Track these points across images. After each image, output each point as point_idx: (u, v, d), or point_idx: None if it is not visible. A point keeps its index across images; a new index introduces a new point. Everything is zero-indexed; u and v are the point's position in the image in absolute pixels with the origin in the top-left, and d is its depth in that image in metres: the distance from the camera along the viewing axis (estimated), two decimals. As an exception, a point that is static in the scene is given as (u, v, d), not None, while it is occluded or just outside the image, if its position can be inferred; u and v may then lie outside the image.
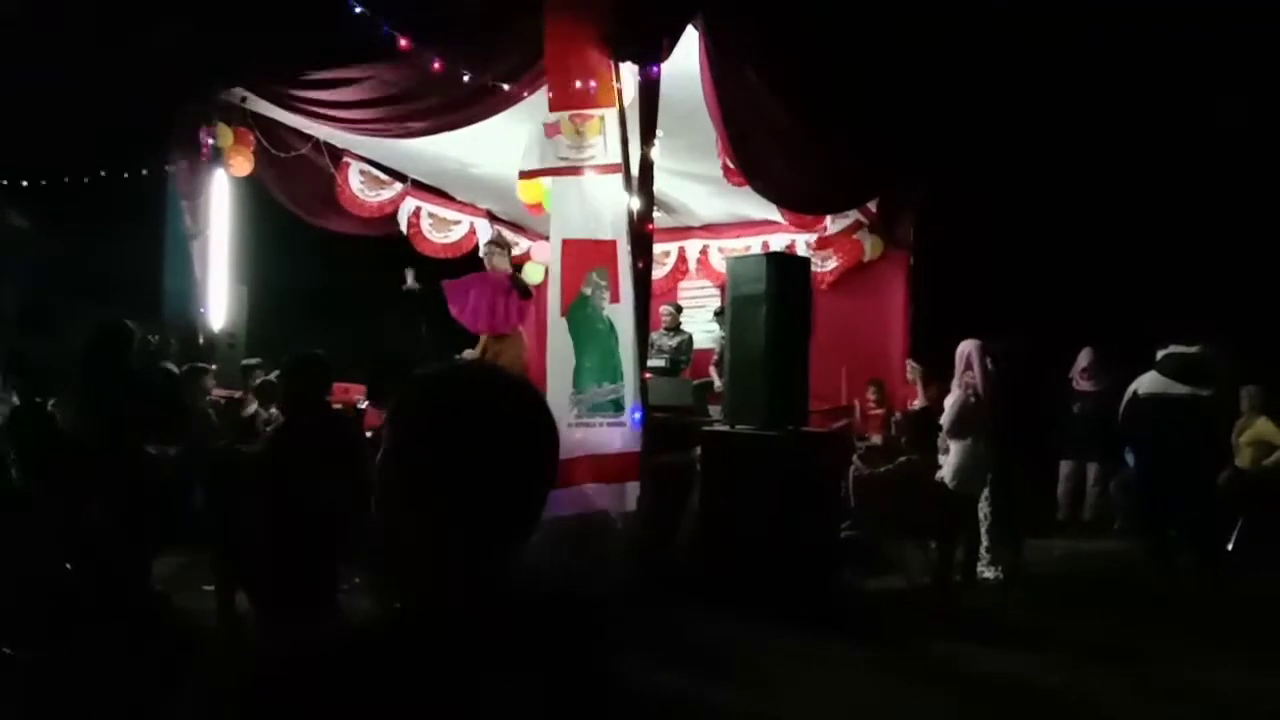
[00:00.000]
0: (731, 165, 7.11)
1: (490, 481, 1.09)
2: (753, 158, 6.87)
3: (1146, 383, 6.78)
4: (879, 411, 9.43)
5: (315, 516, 3.82)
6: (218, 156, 7.91)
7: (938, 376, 8.25)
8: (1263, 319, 9.83)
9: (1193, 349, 6.63)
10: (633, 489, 5.81)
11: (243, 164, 8.03)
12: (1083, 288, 10.83)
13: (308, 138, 8.48)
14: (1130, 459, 7.66)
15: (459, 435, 1.09)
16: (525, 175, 6.42)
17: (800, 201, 8.37)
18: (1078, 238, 11.15)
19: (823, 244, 10.24)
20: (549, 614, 1.16)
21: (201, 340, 7.84)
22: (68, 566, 4.79)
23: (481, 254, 9.02)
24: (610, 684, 1.17)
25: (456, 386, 1.16)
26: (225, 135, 7.90)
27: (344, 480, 3.83)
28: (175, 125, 7.92)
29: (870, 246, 10.14)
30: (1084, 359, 9.37)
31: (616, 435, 5.88)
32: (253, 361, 7.82)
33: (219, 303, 8.05)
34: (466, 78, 6.49)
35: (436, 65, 6.52)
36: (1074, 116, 11.45)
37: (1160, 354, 6.80)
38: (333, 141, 8.66)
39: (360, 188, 9.30)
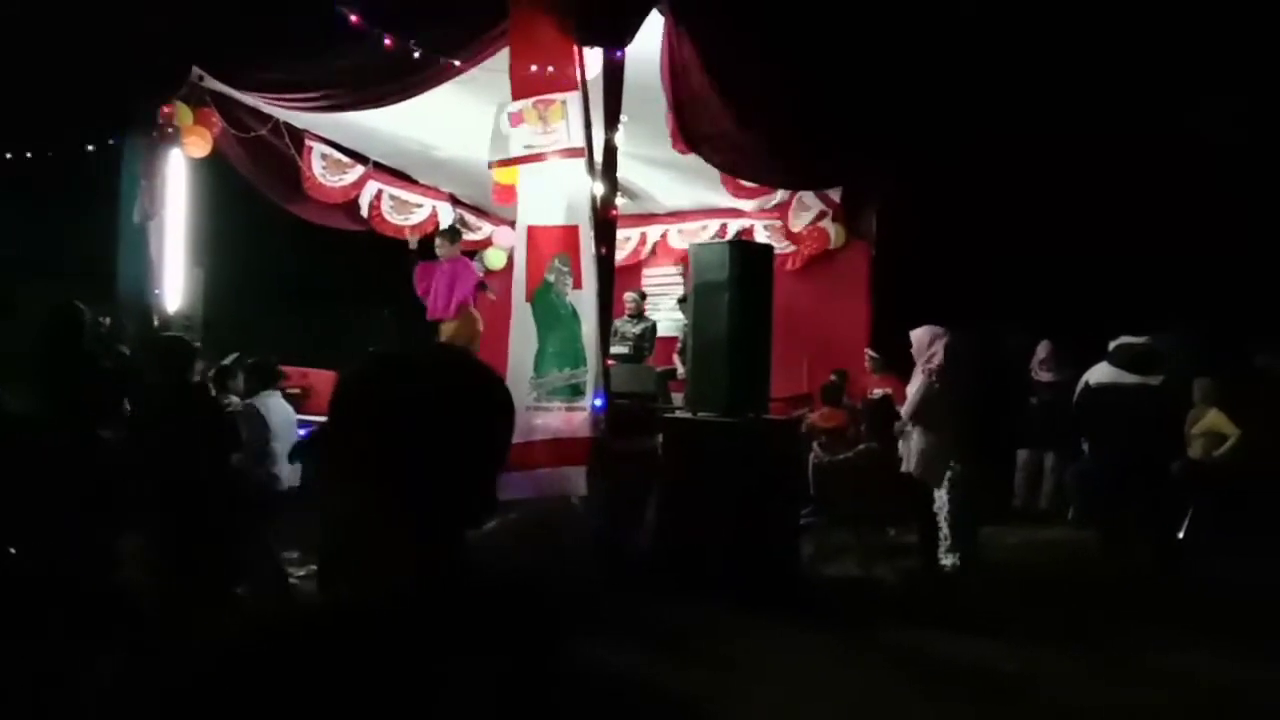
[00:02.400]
0: (679, 136, 7.05)
1: (437, 463, 1.06)
2: (699, 123, 6.81)
3: (1098, 373, 6.90)
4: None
5: (180, 492, 3.80)
6: (174, 136, 7.75)
7: (894, 367, 8.32)
8: (1216, 312, 10.01)
9: (1142, 340, 6.76)
10: (581, 474, 5.80)
11: (200, 144, 7.88)
12: (1041, 280, 10.95)
13: (267, 118, 8.34)
14: (1084, 448, 7.79)
15: (404, 415, 1.06)
16: (495, 165, 6.36)
17: (747, 169, 8.35)
18: (1036, 231, 11.27)
19: (791, 237, 10.26)
20: (502, 600, 1.15)
21: (156, 323, 7.69)
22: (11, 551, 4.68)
23: (436, 245, 9.11)
24: (564, 671, 1.16)
25: (402, 365, 1.13)
26: (184, 114, 7.75)
27: (209, 455, 3.82)
28: (131, 103, 7.76)
29: (835, 235, 10.18)
30: (1042, 350, 9.50)
31: (572, 419, 5.86)
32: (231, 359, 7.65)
33: (174, 285, 7.90)
34: (418, 54, 6.42)
35: (387, 42, 6.45)
36: (1034, 111, 11.55)
37: (1112, 345, 6.92)
38: (292, 122, 8.51)
39: (323, 172, 9.18)
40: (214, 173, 8.37)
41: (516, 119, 5.88)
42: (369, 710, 1.00)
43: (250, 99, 7.89)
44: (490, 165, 6.24)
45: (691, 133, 6.78)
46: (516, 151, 5.93)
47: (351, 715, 0.99)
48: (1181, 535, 7.61)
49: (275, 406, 6.11)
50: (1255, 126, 11.24)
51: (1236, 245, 11.03)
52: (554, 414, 5.89)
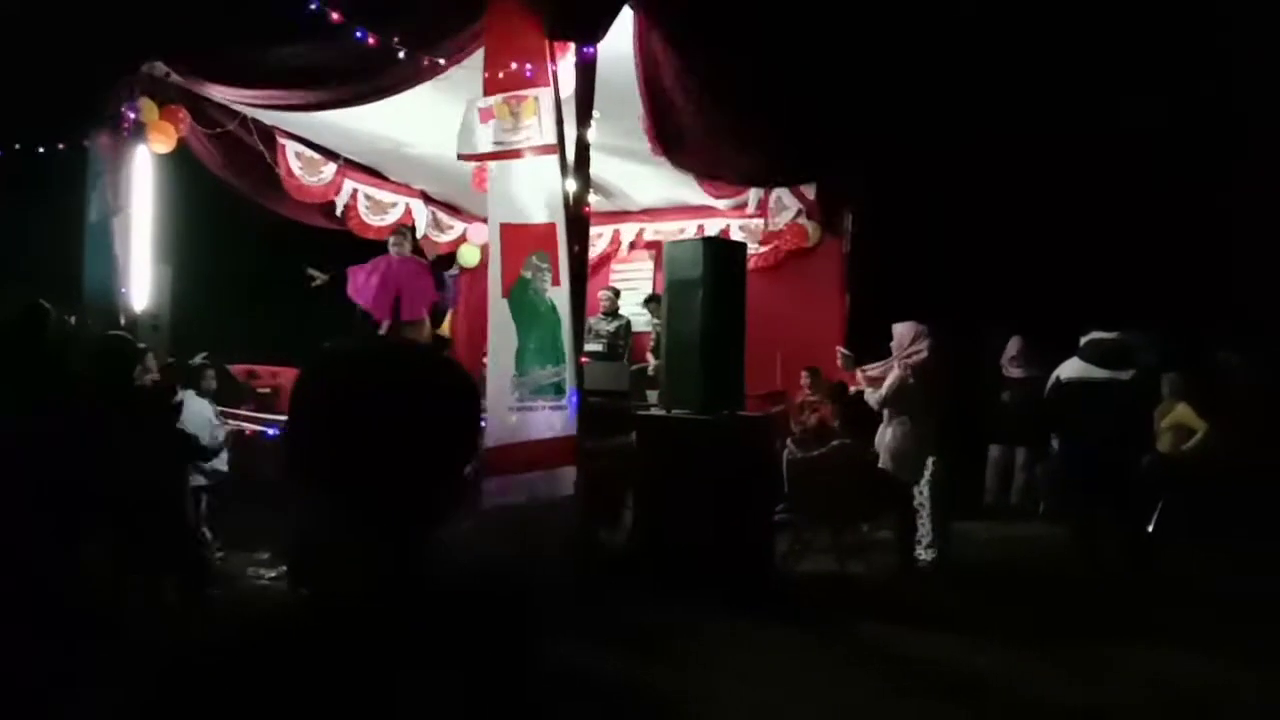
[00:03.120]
0: (654, 138, 7.05)
1: (399, 459, 1.03)
2: (675, 130, 6.81)
3: (1069, 368, 6.95)
4: (814, 398, 9.50)
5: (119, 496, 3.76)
6: (139, 132, 7.63)
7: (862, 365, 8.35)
8: (1183, 308, 10.13)
9: (1112, 335, 6.82)
10: (569, 473, 5.77)
11: (165, 141, 7.76)
12: (1011, 277, 11.03)
13: (235, 114, 8.23)
14: (1055, 443, 7.85)
15: (362, 410, 1.03)
16: (464, 158, 6.31)
17: (720, 169, 8.36)
18: (1006, 228, 11.35)
19: (768, 236, 10.29)
20: (470, 600, 1.12)
21: (123, 321, 7.56)
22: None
23: (389, 243, 8.88)
24: (534, 672, 1.14)
25: (359, 359, 1.10)
26: (149, 110, 7.63)
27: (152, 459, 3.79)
28: (95, 98, 7.64)
29: (812, 233, 10.22)
30: (1013, 347, 9.57)
31: (557, 418, 5.83)
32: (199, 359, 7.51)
33: (141, 284, 7.78)
34: (402, 54, 6.36)
35: (370, 41, 6.38)
36: (1005, 110, 11.63)
37: (1082, 340, 6.98)
38: (260, 118, 8.41)
39: (301, 171, 9.09)
40: (181, 169, 8.25)
41: (486, 115, 5.83)
42: (331, 715, 0.97)
43: (219, 95, 7.78)
44: (460, 158, 6.17)
45: (665, 134, 6.77)
46: (486, 148, 5.88)
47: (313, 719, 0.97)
48: (1151, 529, 7.70)
49: (191, 405, 6.15)
50: (1217, 125, 11.39)
51: (1200, 242, 11.17)
52: (539, 413, 5.85)
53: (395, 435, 1.03)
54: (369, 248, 9.54)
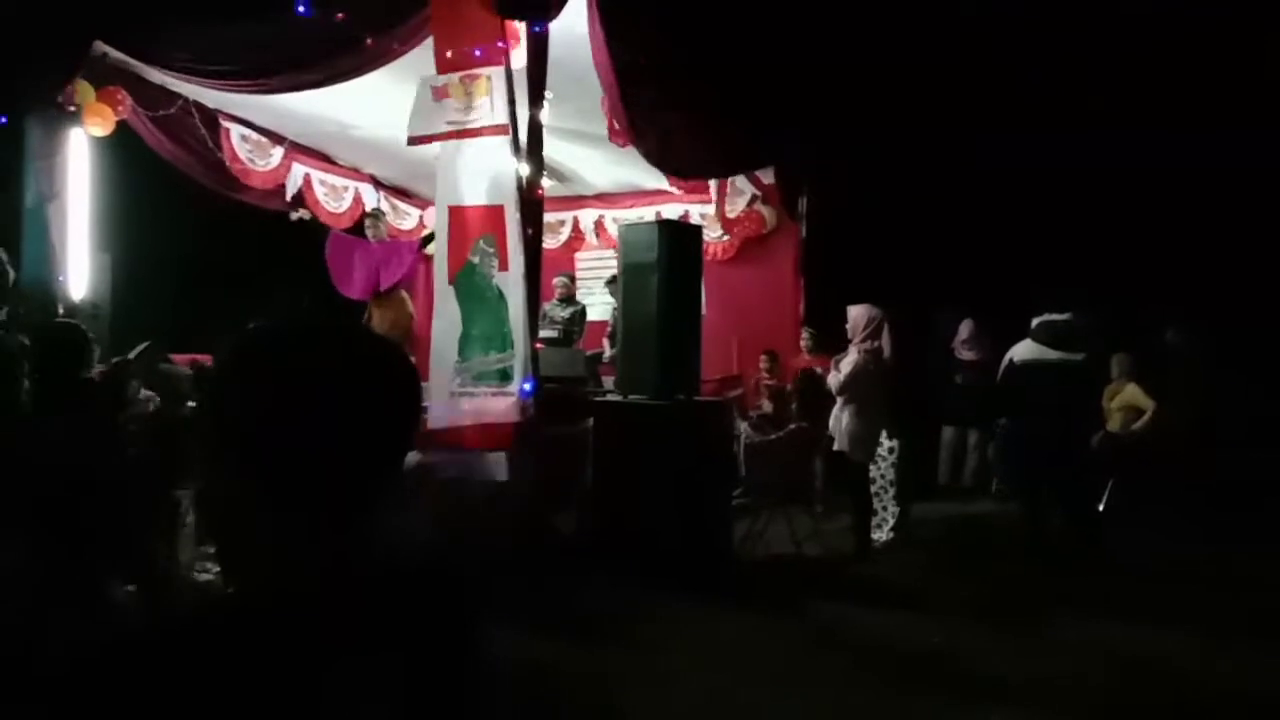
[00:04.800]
0: (617, 126, 6.99)
1: (329, 444, 0.96)
2: (641, 118, 6.74)
3: (1021, 350, 7.03)
4: (771, 382, 9.53)
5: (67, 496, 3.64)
6: (76, 114, 7.38)
7: (826, 346, 8.38)
8: (1133, 290, 10.29)
9: (1063, 316, 6.90)
10: (502, 459, 5.70)
11: (103, 123, 7.51)
12: (964, 260, 11.12)
13: (177, 96, 7.99)
14: (1003, 424, 7.96)
15: (287, 392, 0.95)
16: (413, 141, 6.17)
17: (687, 165, 8.32)
18: (959, 212, 11.45)
19: (726, 223, 10.28)
20: (410, 591, 1.06)
21: (61, 310, 7.33)
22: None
23: (365, 227, 8.95)
24: (477, 663, 1.08)
25: (284, 339, 1.01)
26: (85, 91, 7.37)
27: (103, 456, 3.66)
28: (28, 81, 7.36)
29: (768, 218, 10.24)
30: (965, 330, 9.67)
31: (499, 404, 5.75)
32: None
33: (79, 271, 7.54)
34: (366, 37, 6.20)
35: (339, 15, 6.23)
36: (958, 96, 11.71)
37: (1035, 322, 7.06)
38: (203, 100, 8.17)
39: (249, 155, 8.85)
40: (122, 153, 8.00)
41: (440, 93, 5.72)
42: (259, 714, 0.90)
43: (160, 76, 7.54)
44: (410, 141, 6.04)
45: (623, 119, 6.71)
46: (437, 128, 5.77)
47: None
48: (1101, 507, 7.83)
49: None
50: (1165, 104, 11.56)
51: (1148, 223, 11.34)
52: (480, 399, 5.77)
53: (330, 419, 0.96)
54: (321, 234, 9.36)
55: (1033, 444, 7.03)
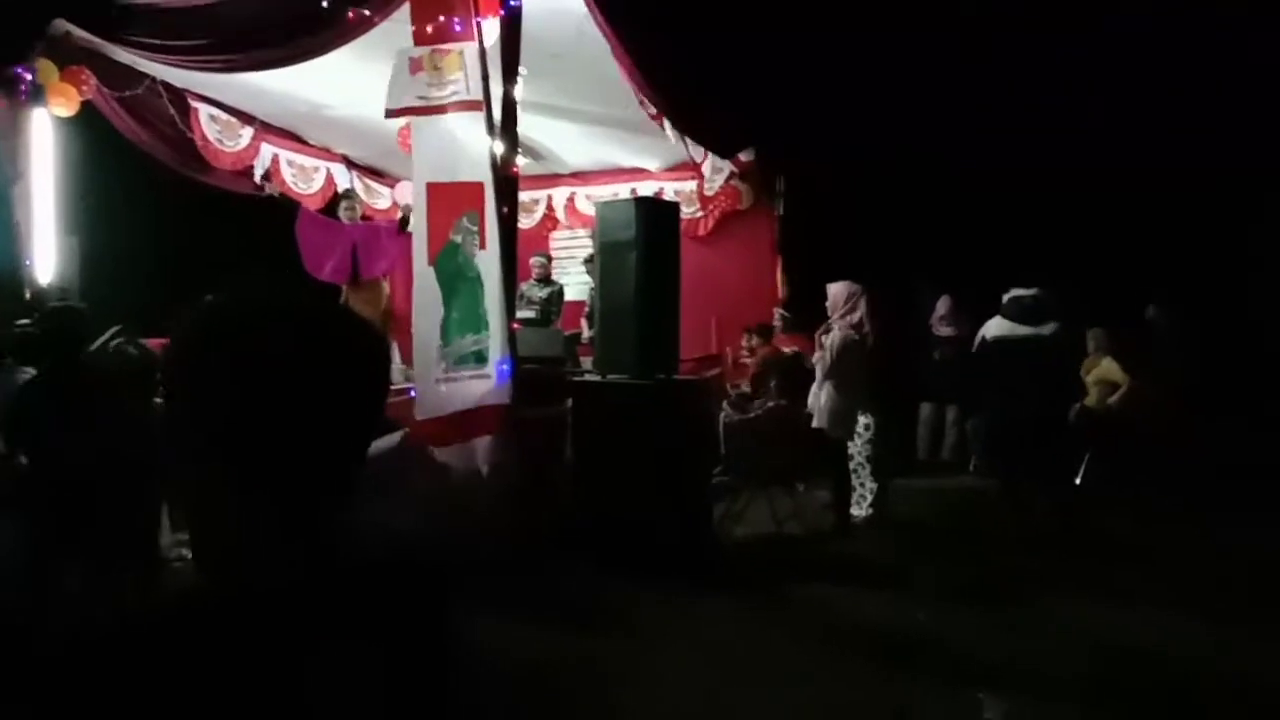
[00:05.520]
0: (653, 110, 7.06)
1: (296, 425, 0.91)
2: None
3: (993, 326, 7.08)
4: (750, 360, 9.51)
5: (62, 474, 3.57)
6: (38, 94, 7.20)
7: (802, 326, 8.38)
8: (1110, 265, 10.36)
9: (1031, 291, 6.94)
10: (487, 444, 5.64)
11: (66, 104, 7.33)
12: (942, 235, 11.15)
13: (143, 76, 7.81)
14: (981, 400, 8.00)
15: (251, 370, 0.90)
16: (390, 113, 6.05)
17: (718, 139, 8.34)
18: (937, 187, 11.46)
19: (704, 201, 10.23)
20: (385, 579, 1.02)
21: (29, 295, 7.18)
22: None
23: (340, 209, 8.92)
24: (454, 651, 1.04)
25: (247, 314, 0.95)
26: (47, 71, 7.19)
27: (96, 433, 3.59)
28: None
29: (745, 195, 10.20)
30: (942, 306, 9.68)
31: (479, 388, 5.69)
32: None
33: (46, 256, 7.38)
34: (337, 9, 6.06)
35: None
36: (930, 73, 11.71)
37: (1005, 298, 7.10)
38: (171, 80, 8.00)
39: (218, 136, 8.68)
40: (89, 134, 7.82)
41: (415, 66, 5.60)
42: (232, 708, 0.86)
43: (127, 55, 7.36)
44: (388, 114, 5.92)
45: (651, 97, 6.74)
46: (412, 101, 5.65)
47: (213, 714, 0.86)
48: (1078, 482, 7.89)
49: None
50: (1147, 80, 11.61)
51: (1129, 199, 11.42)
52: (463, 384, 5.70)
53: (296, 398, 0.91)
54: (293, 211, 9.24)
55: (1005, 419, 7.07)
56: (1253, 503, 7.20)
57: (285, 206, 9.23)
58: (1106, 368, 8.32)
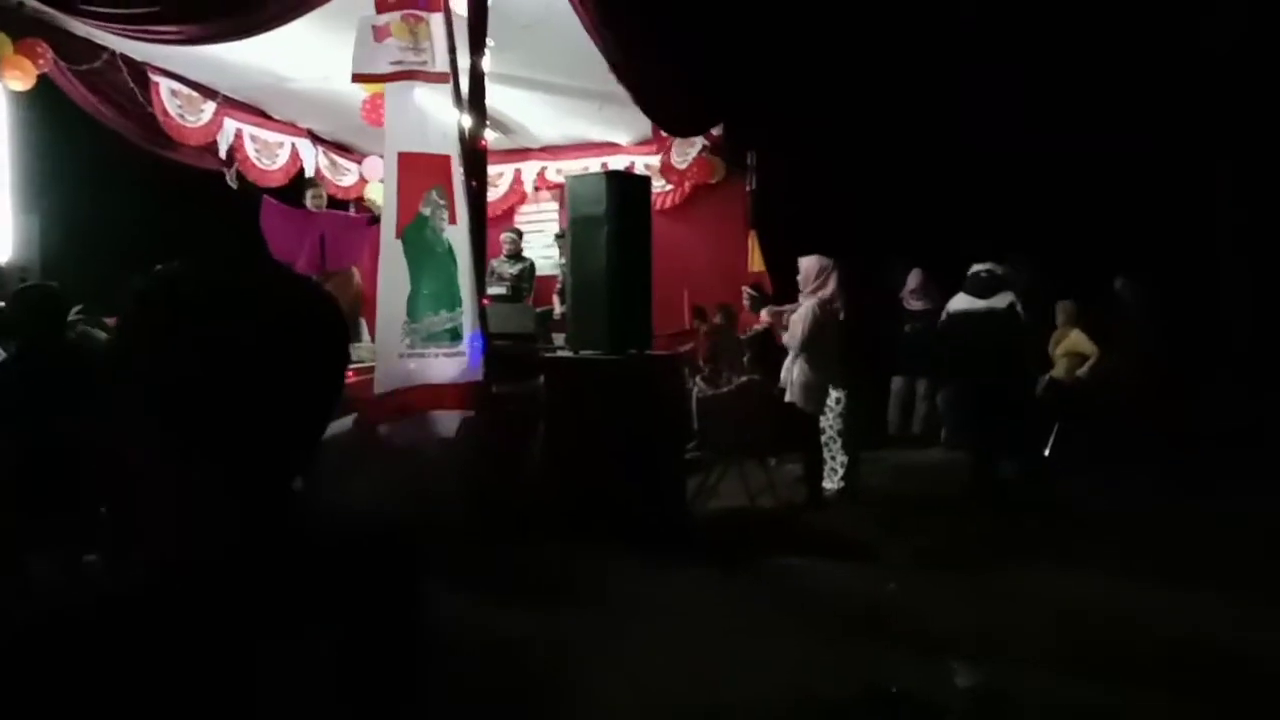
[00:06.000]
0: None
1: (249, 398, 0.88)
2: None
3: (955, 302, 7.19)
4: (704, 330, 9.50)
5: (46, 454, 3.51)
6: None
7: (770, 303, 8.39)
8: (1079, 239, 10.44)
9: (986, 266, 7.06)
10: (454, 419, 5.59)
11: (22, 78, 7.14)
12: (913, 210, 11.17)
13: (102, 49, 7.62)
14: (942, 373, 8.11)
15: (203, 340, 0.87)
16: (358, 79, 5.90)
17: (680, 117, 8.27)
18: (908, 161, 11.47)
19: (674, 173, 10.17)
20: (343, 556, 0.99)
21: (-12, 276, 7.03)
22: None
23: (308, 197, 8.86)
24: (417, 627, 1.02)
25: (199, 282, 0.91)
26: (1, 44, 7.00)
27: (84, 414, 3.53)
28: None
29: (717, 168, 10.16)
30: (913, 280, 9.72)
31: (452, 366, 5.62)
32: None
33: (3, 234, 7.22)
34: None
35: None
36: (899, 48, 11.69)
37: (968, 273, 7.22)
38: (130, 54, 7.81)
39: (179, 111, 8.49)
40: (48, 109, 7.63)
41: (382, 33, 5.46)
42: (182, 687, 0.83)
43: (84, 27, 7.17)
44: (355, 79, 5.79)
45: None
46: (383, 68, 5.51)
47: (166, 700, 0.83)
48: (1047, 453, 7.98)
49: None
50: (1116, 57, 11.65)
51: (1100, 173, 11.49)
52: (431, 360, 5.62)
53: (250, 369, 0.88)
54: (256, 198, 9.10)
55: (967, 392, 7.19)
56: (1220, 471, 7.32)
57: (249, 192, 9.07)
58: (1075, 340, 8.40)
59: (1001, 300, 6.94)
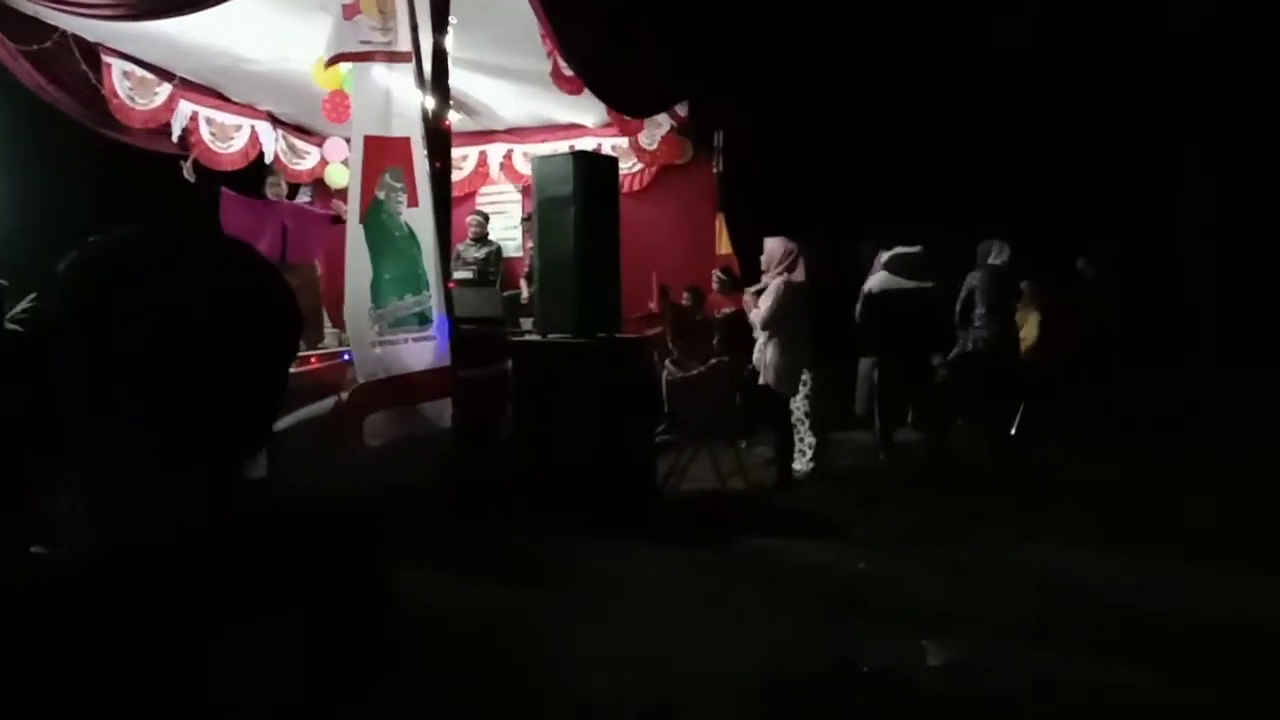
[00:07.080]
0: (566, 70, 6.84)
1: (196, 372, 0.83)
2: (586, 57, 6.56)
3: (876, 281, 7.27)
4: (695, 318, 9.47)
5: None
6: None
7: (740, 287, 8.37)
8: (1042, 220, 10.52)
9: (916, 249, 7.16)
10: (443, 408, 5.53)
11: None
12: (881, 191, 11.20)
13: (51, 29, 7.40)
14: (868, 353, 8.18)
15: (145, 312, 0.82)
16: (332, 61, 5.76)
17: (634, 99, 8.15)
18: (875, 142, 11.50)
19: (642, 154, 10.10)
20: (307, 535, 0.94)
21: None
22: None
23: (267, 185, 8.67)
24: (384, 609, 0.98)
25: (137, 250, 0.86)
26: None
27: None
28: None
29: (685, 148, 10.10)
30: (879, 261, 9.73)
31: (423, 351, 5.55)
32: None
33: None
34: None
35: None
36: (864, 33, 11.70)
37: (885, 255, 7.31)
38: (82, 34, 7.59)
39: (129, 94, 8.26)
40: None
41: (351, 10, 5.33)
42: (140, 668, 0.79)
43: (33, 6, 6.95)
44: (329, 62, 5.65)
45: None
46: (350, 46, 5.38)
47: (120, 684, 0.78)
48: (1013, 432, 8.06)
49: None
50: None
51: (1063, 159, 11.60)
52: (403, 347, 5.54)
53: (195, 342, 0.83)
54: (216, 177, 8.91)
55: (898, 370, 7.30)
56: (1181, 446, 7.44)
57: (207, 187, 8.85)
58: (1035, 320, 8.49)
59: (929, 280, 7.12)
